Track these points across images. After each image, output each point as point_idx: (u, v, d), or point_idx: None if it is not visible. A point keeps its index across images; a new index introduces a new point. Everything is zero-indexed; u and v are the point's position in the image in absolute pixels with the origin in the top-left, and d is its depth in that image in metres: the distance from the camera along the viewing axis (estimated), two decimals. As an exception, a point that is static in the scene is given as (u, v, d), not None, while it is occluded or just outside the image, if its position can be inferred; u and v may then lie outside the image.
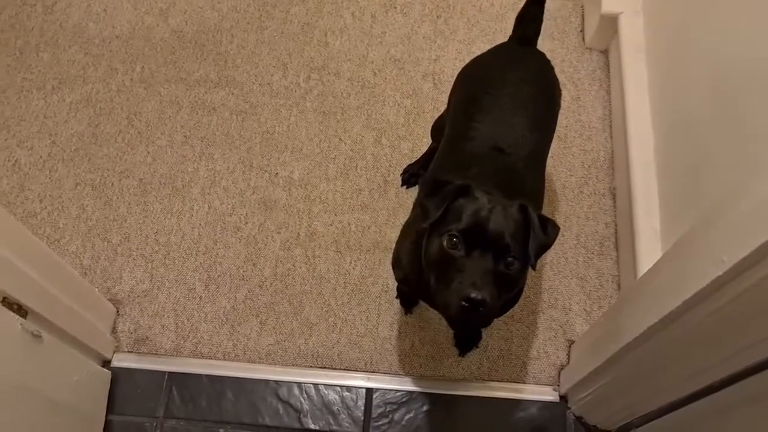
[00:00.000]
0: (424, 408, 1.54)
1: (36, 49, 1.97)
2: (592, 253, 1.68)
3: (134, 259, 1.69)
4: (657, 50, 1.68)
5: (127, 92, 1.91)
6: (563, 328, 1.61)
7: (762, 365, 0.93)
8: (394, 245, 1.36)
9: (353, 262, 1.67)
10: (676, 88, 1.55)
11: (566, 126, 1.83)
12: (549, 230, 1.06)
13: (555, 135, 1.41)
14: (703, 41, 1.43)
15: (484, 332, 1.59)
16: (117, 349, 1.59)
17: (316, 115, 1.87)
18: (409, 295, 1.55)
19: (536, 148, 1.29)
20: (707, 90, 1.37)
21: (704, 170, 1.34)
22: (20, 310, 1.15)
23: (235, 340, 1.60)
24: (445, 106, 1.50)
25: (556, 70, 1.43)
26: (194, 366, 1.58)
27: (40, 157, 1.81)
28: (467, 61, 1.47)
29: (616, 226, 1.71)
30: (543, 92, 1.36)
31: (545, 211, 1.64)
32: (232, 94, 1.91)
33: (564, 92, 1.52)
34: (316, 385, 1.56)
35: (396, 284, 1.61)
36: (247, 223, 1.73)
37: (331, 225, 1.72)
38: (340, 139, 1.84)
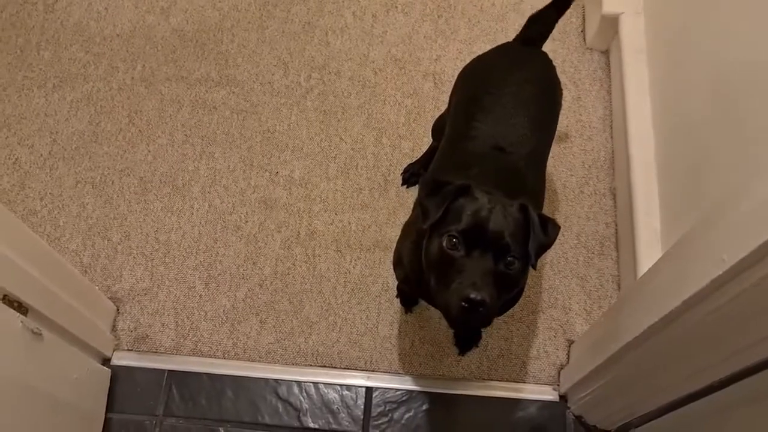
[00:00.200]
0: (424, 407, 1.54)
1: (37, 47, 1.97)
2: (593, 253, 1.68)
3: (134, 257, 1.69)
4: (658, 51, 1.68)
5: (128, 91, 1.91)
6: (563, 327, 1.61)
7: (762, 365, 0.93)
8: (394, 244, 1.36)
9: (353, 261, 1.67)
10: (676, 88, 1.55)
11: (567, 126, 1.83)
12: (549, 230, 1.06)
13: (556, 135, 1.41)
14: (703, 42, 1.43)
15: (484, 332, 1.59)
16: (117, 347, 1.59)
17: (316, 115, 1.87)
18: (410, 294, 1.55)
19: (537, 148, 1.29)
20: (708, 91, 1.37)
21: (705, 171, 1.34)
22: (20, 307, 1.15)
23: (235, 338, 1.60)
24: (446, 105, 1.50)
25: (557, 71, 1.43)
26: (194, 364, 1.58)
27: (41, 155, 1.81)
28: (468, 61, 1.47)
29: (616, 226, 1.71)
30: (544, 92, 1.36)
31: (546, 210, 1.64)
32: (233, 93, 1.91)
33: (565, 92, 1.52)
34: (315, 383, 1.56)
35: (396, 283, 1.61)
36: (247, 221, 1.73)
37: (332, 224, 1.72)
38: (341, 138, 1.84)
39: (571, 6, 1.41)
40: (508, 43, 1.46)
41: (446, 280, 1.01)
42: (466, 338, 1.57)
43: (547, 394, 1.55)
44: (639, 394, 1.27)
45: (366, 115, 1.87)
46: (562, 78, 1.52)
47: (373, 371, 1.57)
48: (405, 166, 1.78)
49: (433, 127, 1.64)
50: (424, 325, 1.60)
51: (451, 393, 1.55)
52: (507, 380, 1.56)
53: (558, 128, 1.42)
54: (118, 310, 1.63)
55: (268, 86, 1.92)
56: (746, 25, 1.25)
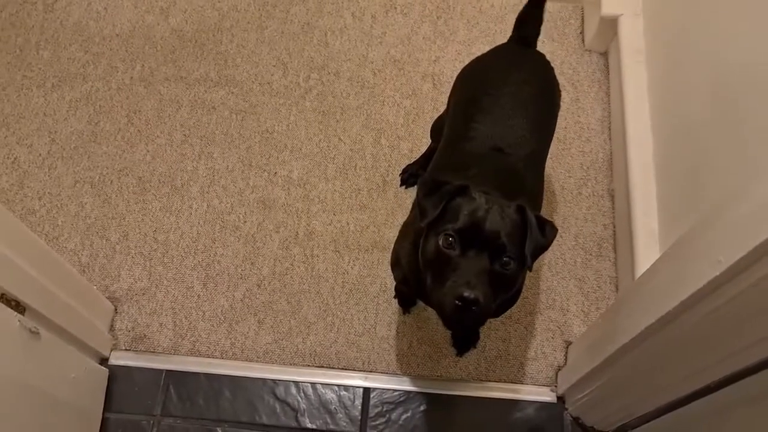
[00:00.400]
0: (422, 408, 1.54)
1: (36, 46, 1.97)
2: (591, 254, 1.69)
3: (132, 257, 1.69)
4: (656, 53, 1.68)
5: (127, 90, 1.91)
6: (561, 329, 1.61)
7: (758, 366, 0.93)
8: (392, 245, 1.36)
9: (351, 261, 1.67)
10: (675, 90, 1.55)
11: (565, 127, 1.83)
12: (547, 232, 1.06)
13: (554, 136, 1.41)
14: (702, 44, 1.43)
15: (482, 333, 1.59)
16: (115, 347, 1.59)
17: (315, 115, 1.88)
18: (408, 295, 1.55)
19: (536, 149, 1.29)
20: (707, 93, 1.37)
21: (703, 173, 1.34)
22: (18, 306, 1.15)
23: (232, 338, 1.60)
24: (445, 106, 1.50)
25: (556, 72, 1.43)
26: (192, 364, 1.58)
27: (40, 154, 1.81)
28: (467, 62, 1.48)
29: (614, 227, 1.71)
30: (543, 93, 1.36)
31: (544, 211, 1.64)
32: (232, 93, 1.91)
33: (563, 94, 1.52)
34: (313, 384, 1.56)
35: (394, 284, 1.61)
36: (245, 222, 1.73)
37: (330, 224, 1.72)
38: (340, 138, 1.84)
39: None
40: (506, 44, 1.46)
41: (441, 278, 1.02)
42: (464, 339, 1.57)
43: (544, 395, 1.55)
44: (636, 395, 1.27)
45: (365, 116, 1.87)
46: (561, 79, 1.52)
47: (370, 372, 1.57)
48: (404, 166, 1.78)
49: (431, 128, 1.64)
50: (422, 325, 1.60)
51: (449, 394, 1.55)
52: (505, 381, 1.56)
53: (556, 129, 1.42)
54: (116, 309, 1.63)
55: (267, 86, 1.92)
56: (745, 26, 1.26)
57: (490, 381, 1.56)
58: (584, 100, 1.89)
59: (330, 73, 1.94)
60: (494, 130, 1.26)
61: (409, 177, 1.75)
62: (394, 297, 1.62)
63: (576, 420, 1.52)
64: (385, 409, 1.54)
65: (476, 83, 1.37)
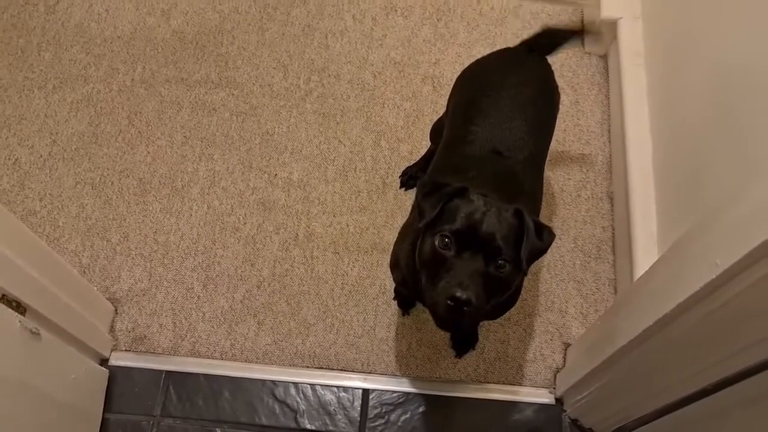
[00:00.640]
0: (421, 409, 1.54)
1: (38, 48, 1.98)
2: (589, 256, 1.69)
3: (133, 258, 1.69)
4: (656, 56, 1.69)
5: (128, 92, 1.92)
6: (559, 330, 1.61)
7: (756, 368, 0.94)
8: (391, 247, 1.37)
9: (351, 263, 1.68)
10: (674, 93, 1.56)
11: (565, 130, 1.84)
12: (544, 236, 1.06)
13: (553, 139, 1.41)
14: (702, 47, 1.44)
15: (481, 334, 1.59)
16: (115, 348, 1.59)
17: (315, 117, 1.88)
18: (407, 296, 1.56)
19: (535, 152, 1.30)
20: (706, 96, 1.37)
21: (702, 175, 1.34)
22: (19, 307, 1.16)
23: (232, 339, 1.60)
24: (444, 109, 1.50)
25: (555, 75, 1.43)
26: (191, 365, 1.58)
27: (41, 155, 1.82)
28: (467, 65, 1.48)
29: (613, 230, 1.72)
30: (542, 95, 1.37)
31: (543, 214, 1.65)
32: (233, 95, 1.92)
33: (563, 97, 1.52)
34: (312, 385, 1.56)
35: (393, 285, 1.61)
36: (245, 223, 1.73)
37: (330, 226, 1.72)
38: (340, 140, 1.84)
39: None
40: (507, 47, 1.46)
41: (435, 278, 1.02)
42: (463, 341, 1.58)
43: (543, 397, 1.55)
44: (635, 397, 1.27)
45: (365, 118, 1.87)
46: (561, 82, 1.53)
47: (370, 373, 1.57)
48: (403, 168, 1.78)
49: (431, 130, 1.64)
50: (421, 327, 1.61)
51: (448, 395, 1.55)
52: (503, 383, 1.56)
53: (556, 132, 1.42)
54: (116, 310, 1.63)
55: (267, 88, 1.92)
56: (744, 30, 1.26)
57: (488, 383, 1.56)
58: (584, 102, 1.89)
59: (330, 75, 1.94)
60: (493, 132, 1.27)
61: (408, 179, 1.76)
62: (394, 298, 1.62)
63: (574, 422, 1.52)
64: (384, 410, 1.54)
65: (476, 85, 1.38)
